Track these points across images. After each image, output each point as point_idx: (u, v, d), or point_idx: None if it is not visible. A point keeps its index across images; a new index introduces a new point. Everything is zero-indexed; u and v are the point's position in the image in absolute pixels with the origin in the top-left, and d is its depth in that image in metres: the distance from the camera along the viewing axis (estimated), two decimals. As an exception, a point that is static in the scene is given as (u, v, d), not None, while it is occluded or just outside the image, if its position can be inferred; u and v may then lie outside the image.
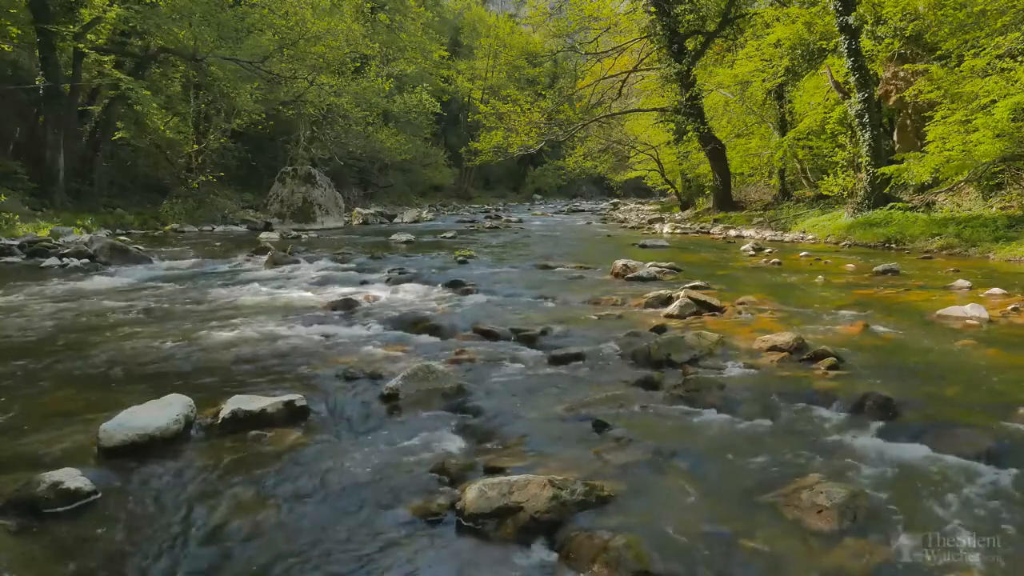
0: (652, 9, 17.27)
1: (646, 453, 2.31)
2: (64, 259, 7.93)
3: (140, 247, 9.16)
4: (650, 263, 7.08)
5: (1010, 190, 10.37)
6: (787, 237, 12.47)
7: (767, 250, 9.68)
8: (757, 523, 1.86)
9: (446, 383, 2.97)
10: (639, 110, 22.24)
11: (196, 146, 17.99)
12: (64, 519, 1.86)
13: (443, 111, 34.43)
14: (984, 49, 9.35)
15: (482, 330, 4.18)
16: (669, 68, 17.18)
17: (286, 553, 1.73)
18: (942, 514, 1.90)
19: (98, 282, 6.40)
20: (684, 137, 19.27)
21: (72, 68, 14.34)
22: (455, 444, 2.43)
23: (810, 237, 12.03)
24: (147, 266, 7.91)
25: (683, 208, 21.88)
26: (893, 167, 10.86)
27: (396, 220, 20.08)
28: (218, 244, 11.55)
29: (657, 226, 16.63)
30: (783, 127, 16.56)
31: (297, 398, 2.67)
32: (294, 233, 14.11)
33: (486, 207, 30.94)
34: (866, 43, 12.12)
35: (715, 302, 4.80)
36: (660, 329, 4.08)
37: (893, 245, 9.99)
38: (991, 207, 10.27)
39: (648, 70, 19.75)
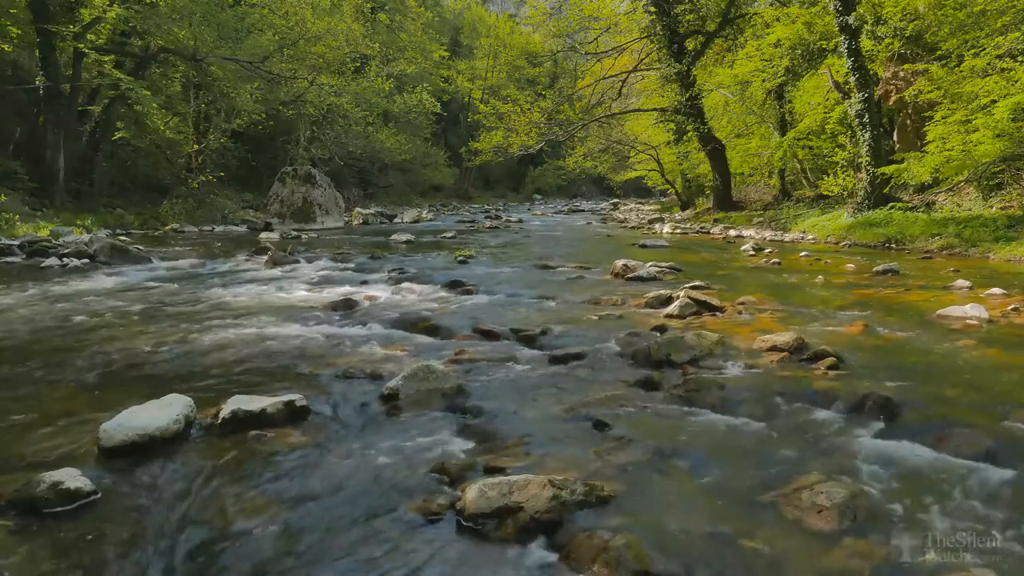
0: (652, 9, 17.27)
1: (646, 453, 2.31)
2: (64, 259, 7.93)
3: (140, 247, 9.16)
4: (650, 263, 7.08)
5: (1010, 190, 10.37)
6: (787, 237, 12.47)
7: (767, 250, 9.68)
8: (757, 523, 1.86)
9: (446, 383, 2.97)
10: (639, 110, 22.25)
11: (196, 146, 17.99)
12: (64, 519, 1.86)
13: (443, 111, 34.43)
14: (984, 49, 9.35)
15: (482, 330, 4.17)
16: (669, 68, 17.18)
17: (286, 553, 1.73)
18: (942, 514, 1.90)
19: (98, 282, 6.40)
20: (684, 137, 19.28)
21: (72, 68, 14.34)
22: (455, 444, 2.43)
23: (810, 237, 12.03)
24: (147, 266, 7.91)
25: (683, 208, 21.88)
26: (893, 167, 10.86)
27: (396, 220, 20.08)
28: (218, 244, 11.55)
29: (657, 226, 16.63)
30: (783, 127, 16.56)
31: (297, 398, 2.67)
32: (294, 233, 14.11)
33: (486, 207, 30.94)
34: (866, 43, 12.12)
35: (715, 302, 4.80)
36: (660, 329, 4.08)
37: (893, 245, 9.99)
38: (991, 207, 10.27)
39: (648, 70, 19.75)
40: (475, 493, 1.91)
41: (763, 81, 15.50)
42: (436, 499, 1.99)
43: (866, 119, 11.69)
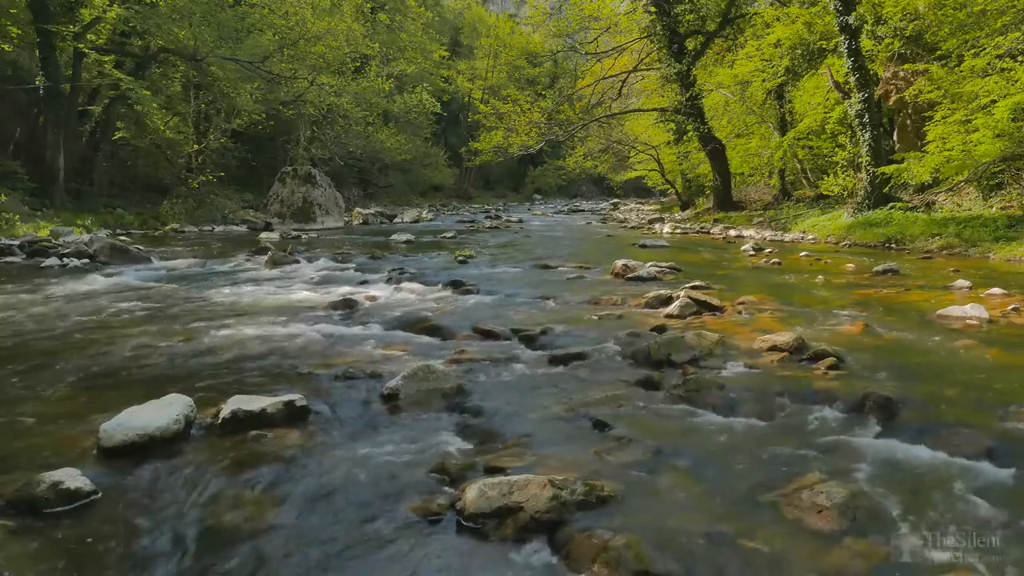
0: (652, 9, 17.27)
1: (646, 453, 2.31)
2: (64, 259, 7.93)
3: (140, 247, 9.16)
4: (650, 263, 7.08)
5: (1010, 190, 10.37)
6: (787, 237, 12.47)
7: (767, 250, 9.68)
8: (757, 523, 1.86)
9: (446, 383, 2.97)
10: (639, 110, 22.25)
11: (196, 146, 18.00)
12: (64, 519, 1.86)
13: (443, 111, 34.44)
14: (984, 49, 9.34)
15: (482, 330, 4.17)
16: (669, 68, 17.18)
17: (286, 553, 1.73)
18: (942, 514, 1.89)
19: (98, 282, 6.40)
20: (684, 137, 19.28)
21: (72, 68, 14.35)
22: (455, 444, 2.43)
23: (810, 237, 12.02)
24: (147, 266, 7.91)
25: (683, 208, 21.88)
26: (893, 167, 10.86)
27: (396, 220, 20.08)
28: (218, 244, 11.55)
29: (657, 226, 16.63)
30: (783, 127, 16.56)
31: (297, 398, 2.67)
32: (294, 233, 14.11)
33: (486, 207, 30.94)
34: (866, 43, 12.12)
35: (715, 302, 4.80)
36: (660, 329, 4.08)
37: (893, 245, 9.99)
38: (991, 207, 10.27)
39: (648, 70, 19.74)
40: (475, 493, 1.91)
41: (763, 81, 15.50)
42: (436, 499, 1.99)
43: (866, 119, 11.69)
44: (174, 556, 1.71)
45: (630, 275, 6.53)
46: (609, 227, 17.79)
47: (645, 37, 18.60)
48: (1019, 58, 8.95)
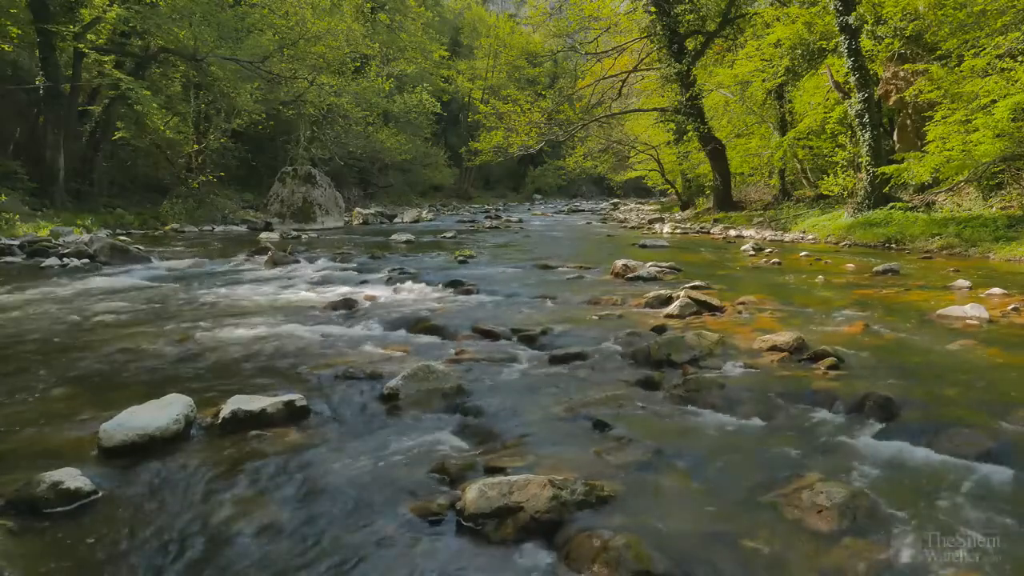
0: (652, 9, 17.27)
1: (646, 453, 2.31)
2: (64, 259, 7.93)
3: (140, 247, 9.16)
4: (650, 263, 7.08)
5: (1010, 190, 10.37)
6: (787, 237, 12.47)
7: (767, 250, 9.68)
8: (757, 523, 1.86)
9: (446, 383, 2.97)
10: (639, 110, 22.25)
11: (196, 146, 18.00)
12: (64, 519, 1.86)
13: (443, 111, 34.44)
14: (984, 49, 9.34)
15: (482, 330, 4.17)
16: (669, 68, 17.18)
17: (286, 553, 1.73)
18: (942, 514, 1.89)
19: (98, 282, 6.39)
20: (684, 137, 19.28)
21: (72, 68, 14.35)
22: (455, 444, 2.43)
23: (810, 237, 12.02)
24: (147, 266, 7.91)
25: (683, 208, 21.88)
26: (893, 167, 10.86)
27: (396, 220, 20.09)
28: (218, 244, 11.55)
29: (657, 226, 16.63)
30: (783, 127, 16.56)
31: (297, 398, 2.67)
32: (294, 233, 14.11)
33: (486, 207, 30.94)
34: (866, 43, 12.12)
35: (715, 302, 4.80)
36: (660, 329, 4.08)
37: (893, 245, 9.99)
38: (991, 207, 10.27)
39: (648, 70, 19.75)
40: (475, 493, 1.91)
41: (763, 81, 15.50)
42: (436, 499, 1.99)
43: (866, 119, 11.69)
44: (174, 556, 1.71)
45: (630, 275, 6.53)
46: (609, 227, 17.79)
47: (645, 37, 18.60)
48: (1019, 58, 8.95)
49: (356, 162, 27.05)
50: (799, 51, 14.43)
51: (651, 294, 5.11)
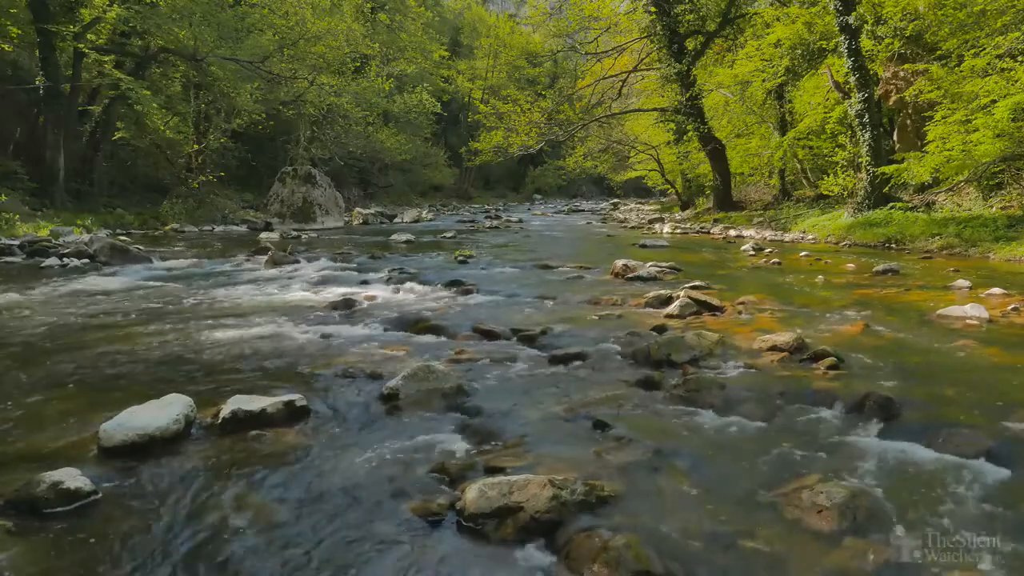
0: (652, 9, 17.27)
1: (646, 453, 2.31)
2: (64, 259, 7.93)
3: (140, 247, 9.16)
4: (650, 263, 7.08)
5: (1010, 190, 10.37)
6: (787, 237, 12.47)
7: (767, 250, 9.68)
8: (757, 523, 1.86)
9: (446, 383, 2.97)
10: (639, 110, 22.24)
11: (196, 146, 18.00)
12: (64, 519, 1.86)
13: (443, 111, 34.42)
14: (984, 49, 9.34)
15: (482, 330, 4.17)
16: (669, 68, 17.18)
17: (286, 553, 1.73)
18: (942, 514, 1.89)
19: (98, 282, 6.39)
20: (684, 137, 19.28)
21: (72, 68, 14.34)
22: (455, 444, 2.43)
23: (810, 237, 12.02)
24: (147, 266, 7.91)
25: (683, 208, 21.88)
26: (893, 167, 10.86)
27: (396, 220, 20.08)
28: (218, 244, 11.55)
29: (657, 226, 16.63)
30: (783, 127, 16.55)
31: (297, 398, 2.67)
32: (294, 233, 14.11)
33: (486, 207, 30.94)
34: (866, 43, 12.11)
35: (715, 302, 4.80)
36: (660, 329, 4.08)
37: (893, 245, 9.99)
38: (991, 207, 10.27)
39: (648, 70, 19.74)
40: (475, 493, 1.91)
41: (763, 81, 15.50)
42: (436, 499, 1.99)
43: (866, 119, 11.69)
44: (174, 556, 1.71)
45: (630, 275, 6.53)
46: (609, 227, 17.79)
47: (645, 37, 18.60)
48: (1019, 58, 8.95)
49: (356, 162, 27.04)
50: (799, 51, 14.43)
51: (651, 294, 5.12)
